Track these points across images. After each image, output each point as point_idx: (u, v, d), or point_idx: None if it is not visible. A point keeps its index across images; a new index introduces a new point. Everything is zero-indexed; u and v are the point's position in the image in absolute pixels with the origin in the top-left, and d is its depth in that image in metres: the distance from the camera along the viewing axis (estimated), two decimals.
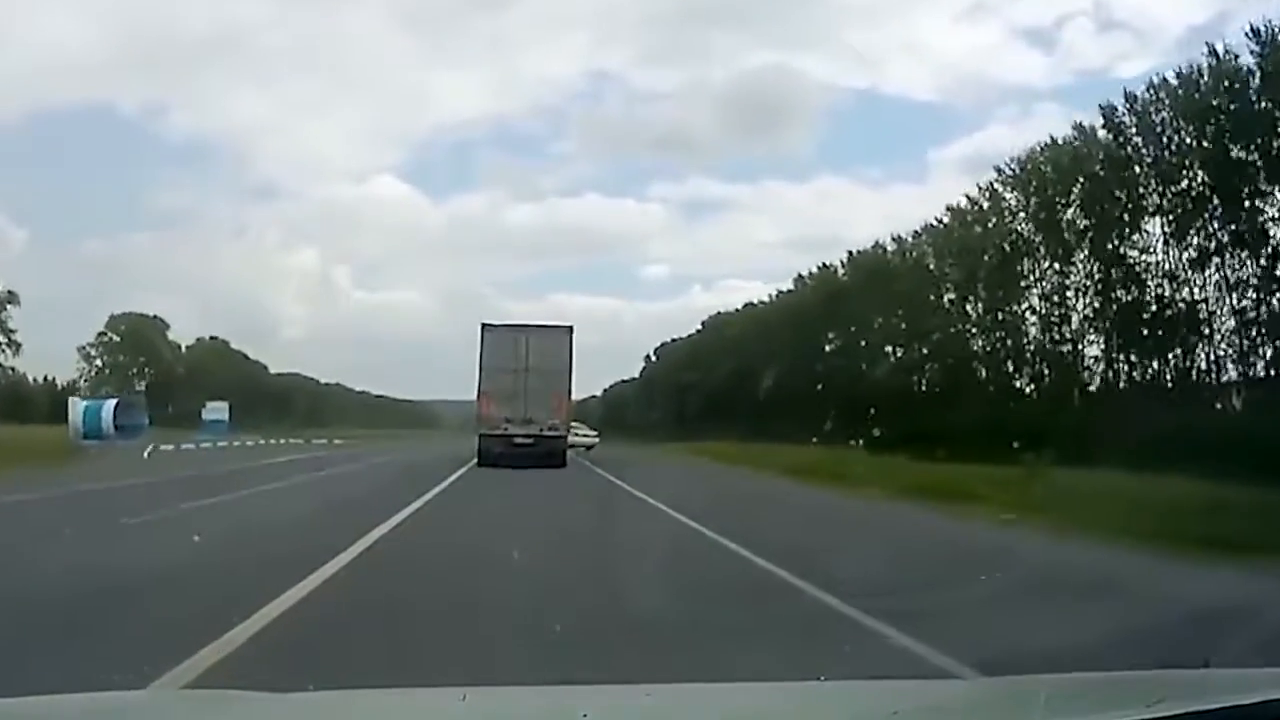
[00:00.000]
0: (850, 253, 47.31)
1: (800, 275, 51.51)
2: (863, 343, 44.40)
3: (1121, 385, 31.70)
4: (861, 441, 30.72)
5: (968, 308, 37.83)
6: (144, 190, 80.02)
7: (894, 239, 43.33)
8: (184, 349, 69.09)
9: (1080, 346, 33.83)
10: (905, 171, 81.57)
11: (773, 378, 48.80)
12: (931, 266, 39.73)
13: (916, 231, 41.57)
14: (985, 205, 36.91)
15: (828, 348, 47.17)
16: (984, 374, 37.27)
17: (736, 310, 58.42)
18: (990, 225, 36.49)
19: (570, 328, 26.25)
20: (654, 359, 70.06)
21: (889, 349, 42.34)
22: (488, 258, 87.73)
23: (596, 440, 43.77)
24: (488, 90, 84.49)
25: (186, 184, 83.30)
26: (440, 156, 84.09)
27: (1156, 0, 61.48)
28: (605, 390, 72.10)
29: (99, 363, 65.94)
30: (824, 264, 50.15)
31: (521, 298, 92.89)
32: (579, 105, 79.66)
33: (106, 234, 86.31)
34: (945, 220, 39.44)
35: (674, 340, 67.46)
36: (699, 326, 62.96)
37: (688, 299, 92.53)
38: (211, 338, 71.58)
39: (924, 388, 39.54)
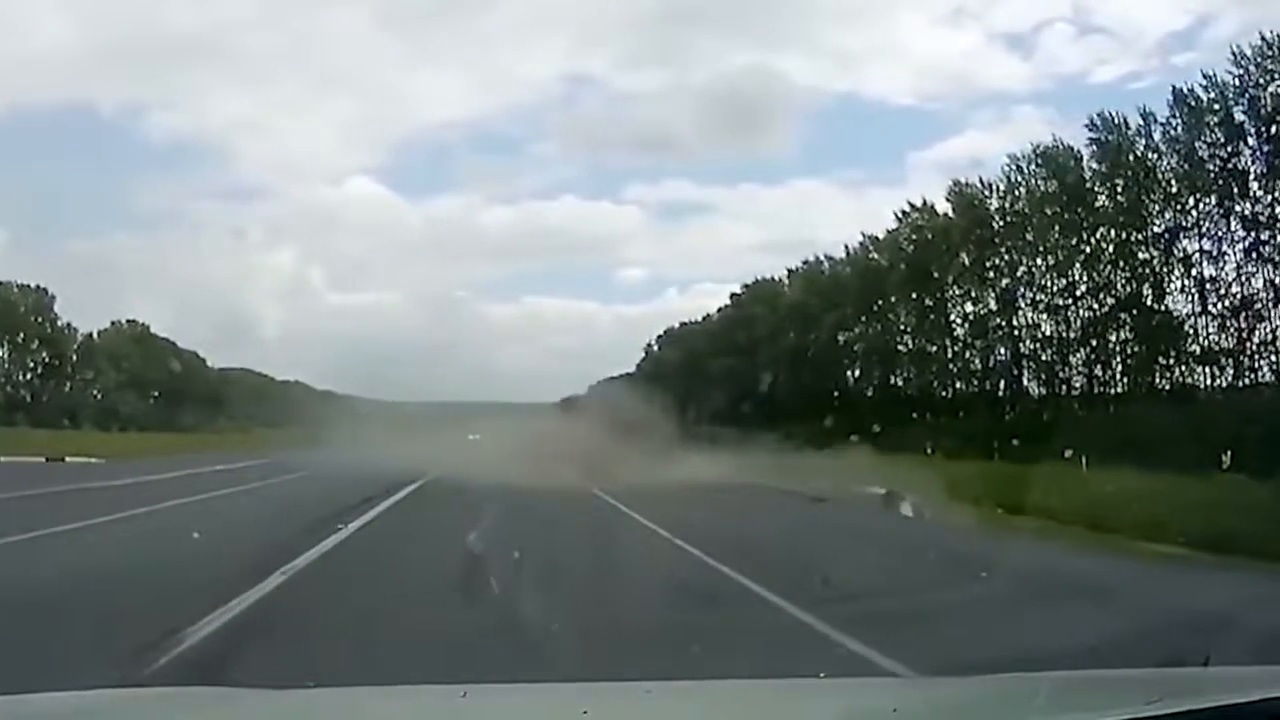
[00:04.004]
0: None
1: (910, 206, 38.86)
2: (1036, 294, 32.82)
3: None
4: (1078, 456, 20.00)
5: None
6: (113, 185, 76.14)
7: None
8: (95, 335, 63.30)
9: None
10: (884, 175, 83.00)
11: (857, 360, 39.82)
12: None
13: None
14: None
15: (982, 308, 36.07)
16: None
17: (790, 272, 47.31)
18: None
19: None
20: (656, 348, 59.96)
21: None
22: (463, 260, 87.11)
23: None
24: (466, 92, 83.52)
25: (162, 183, 79.96)
26: (416, 158, 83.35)
27: (1135, 6, 63.15)
28: (590, 388, 65.72)
29: None
30: (961, 181, 36.49)
31: (496, 300, 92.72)
32: (557, 107, 78.93)
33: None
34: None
35: (685, 324, 57.60)
36: (727, 300, 52.30)
37: (663, 302, 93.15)
38: (129, 321, 64.44)
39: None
